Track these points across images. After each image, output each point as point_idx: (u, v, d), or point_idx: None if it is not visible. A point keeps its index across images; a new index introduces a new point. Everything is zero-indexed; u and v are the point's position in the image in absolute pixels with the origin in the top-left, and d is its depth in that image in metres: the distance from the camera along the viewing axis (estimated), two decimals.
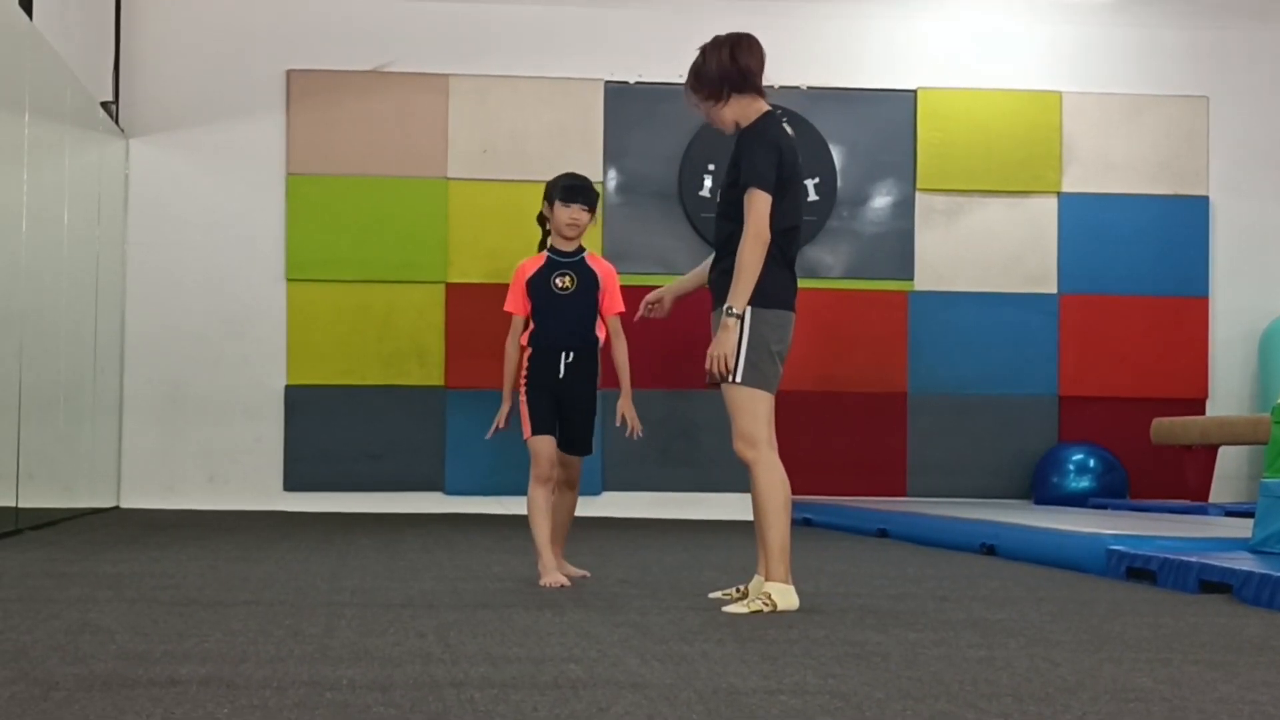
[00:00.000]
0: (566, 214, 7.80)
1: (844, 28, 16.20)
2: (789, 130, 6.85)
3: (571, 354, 7.77)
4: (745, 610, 6.52)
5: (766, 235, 6.63)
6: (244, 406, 15.50)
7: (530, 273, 7.82)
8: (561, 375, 7.75)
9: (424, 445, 15.58)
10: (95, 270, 13.91)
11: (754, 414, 6.71)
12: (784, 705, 4.18)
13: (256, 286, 15.56)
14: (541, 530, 7.65)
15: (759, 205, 6.63)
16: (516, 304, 7.81)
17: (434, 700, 4.15)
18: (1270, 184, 16.59)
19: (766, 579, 6.71)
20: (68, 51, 12.85)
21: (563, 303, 7.76)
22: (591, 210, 7.87)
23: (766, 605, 6.56)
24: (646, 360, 15.90)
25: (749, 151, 6.70)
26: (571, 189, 7.83)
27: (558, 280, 7.77)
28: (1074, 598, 7.58)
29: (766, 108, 6.87)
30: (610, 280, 7.86)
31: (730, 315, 6.63)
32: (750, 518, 7.06)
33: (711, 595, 7.18)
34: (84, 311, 13.49)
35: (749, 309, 6.67)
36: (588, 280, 7.82)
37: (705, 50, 6.90)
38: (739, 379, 6.68)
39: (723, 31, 7.01)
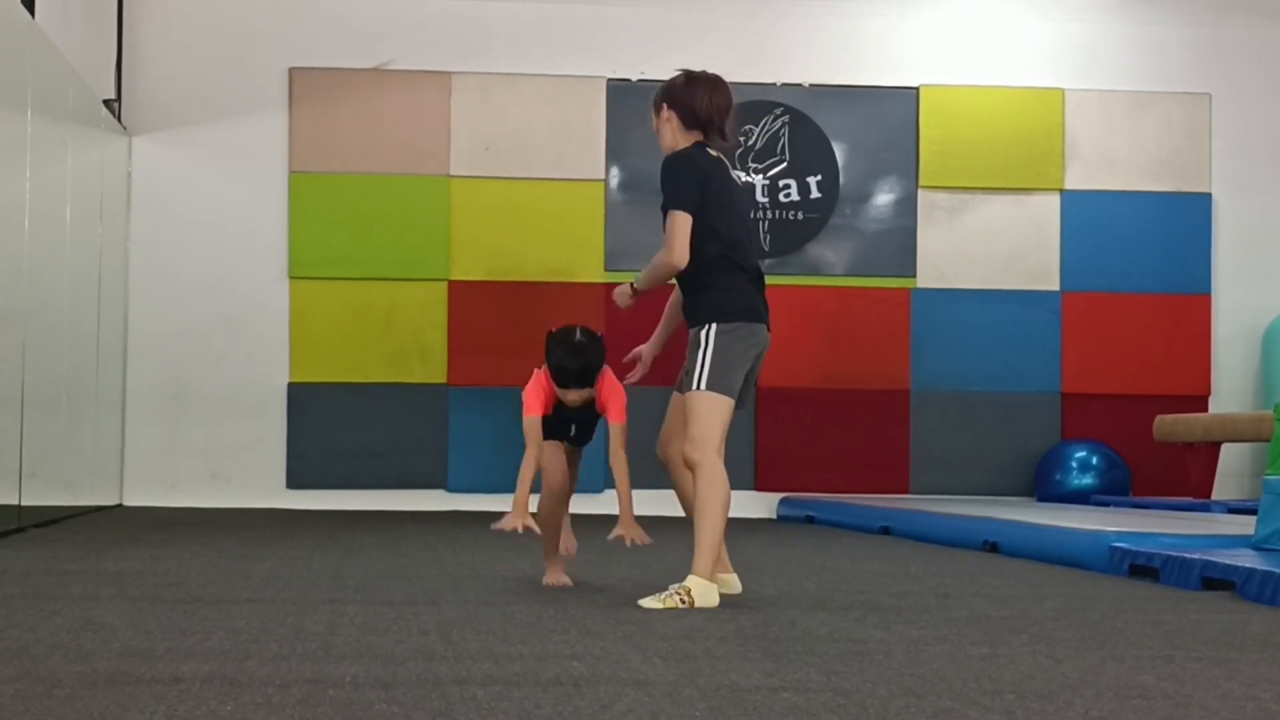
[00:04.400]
0: (564, 394, 7.15)
1: (846, 24, 16.19)
2: (713, 153, 7.01)
3: (574, 426, 7.38)
4: (661, 605, 6.51)
5: (683, 255, 6.84)
6: (246, 404, 15.51)
7: (545, 392, 7.16)
8: (572, 434, 7.43)
9: (427, 443, 15.59)
10: (98, 268, 13.91)
11: (711, 420, 6.82)
12: (787, 702, 4.18)
13: (259, 284, 15.56)
14: (550, 541, 7.53)
15: (679, 225, 6.85)
16: (535, 404, 7.15)
17: (437, 698, 4.15)
18: (1272, 181, 16.58)
19: (692, 571, 6.69)
20: (70, 49, 12.86)
21: (572, 411, 7.28)
22: (593, 385, 7.15)
23: (684, 601, 6.55)
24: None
25: (667, 178, 6.95)
26: (563, 376, 7.08)
27: (568, 398, 7.21)
28: (1077, 595, 7.58)
29: (699, 139, 7.02)
30: (616, 396, 7.19)
31: (631, 286, 7.18)
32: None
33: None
34: (86, 309, 13.49)
35: (713, 326, 6.85)
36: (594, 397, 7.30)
37: (685, 78, 7.06)
38: (704, 387, 6.79)
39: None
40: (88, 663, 4.65)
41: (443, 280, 15.67)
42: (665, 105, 7.07)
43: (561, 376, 7.04)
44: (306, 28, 15.74)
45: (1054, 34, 16.44)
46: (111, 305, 14.57)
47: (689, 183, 6.86)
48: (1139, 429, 15.72)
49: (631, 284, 7.20)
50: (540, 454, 7.20)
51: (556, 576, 7.56)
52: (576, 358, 7.02)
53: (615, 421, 7.13)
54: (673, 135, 7.06)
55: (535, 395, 7.14)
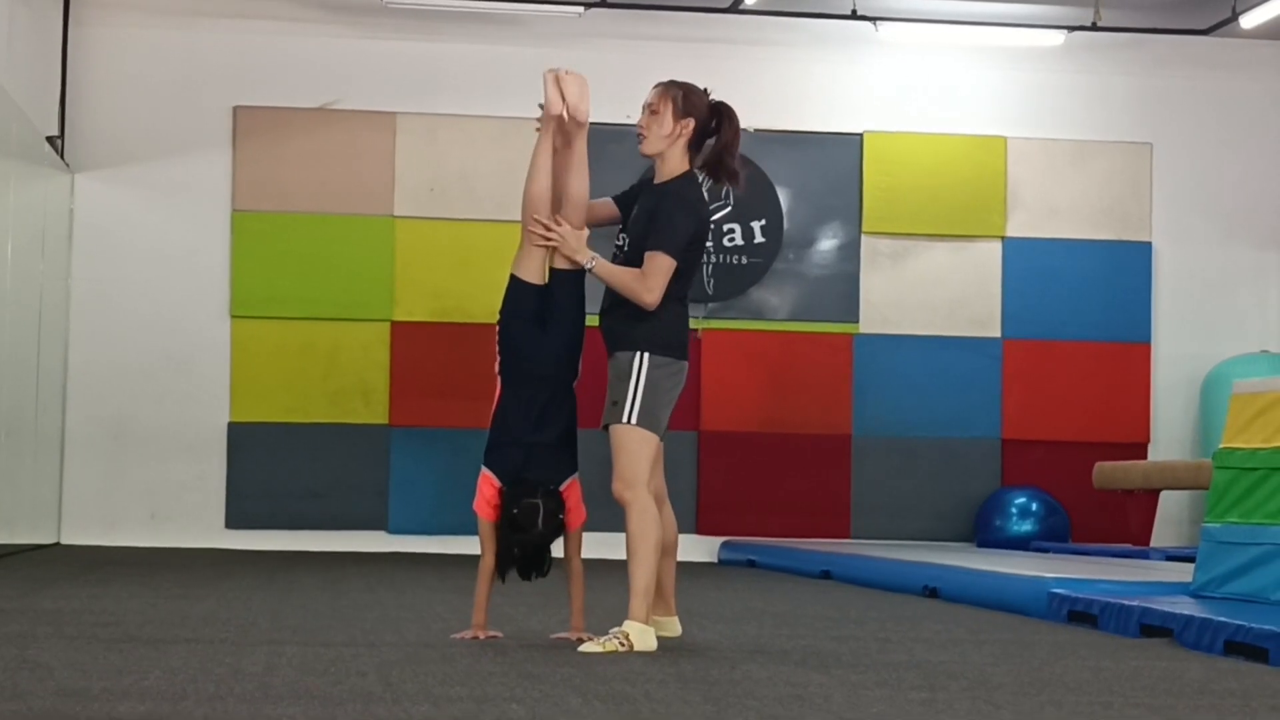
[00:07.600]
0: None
1: (791, 71, 16.25)
2: (704, 191, 7.04)
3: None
4: (600, 649, 6.49)
5: (659, 299, 6.75)
6: (187, 443, 15.42)
7: (494, 490, 6.92)
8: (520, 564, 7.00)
9: (368, 483, 15.53)
10: (38, 305, 13.84)
11: (639, 456, 6.78)
12: None
13: (201, 323, 15.49)
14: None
15: (663, 268, 6.76)
16: (486, 506, 6.89)
17: None
18: (1212, 230, 16.70)
19: (628, 618, 6.66)
20: (13, 85, 12.80)
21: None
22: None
23: (623, 645, 6.53)
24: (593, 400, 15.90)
25: (670, 213, 6.85)
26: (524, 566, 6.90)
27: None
28: (1016, 641, 7.60)
29: (688, 167, 7.01)
30: (576, 510, 7.03)
31: (589, 258, 6.89)
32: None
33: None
34: (26, 346, 13.41)
35: (645, 356, 6.76)
36: None
37: (713, 105, 7.07)
38: (634, 420, 6.73)
39: (672, 74, 7.17)
40: (23, 701, 4.61)
41: (386, 321, 15.63)
42: (690, 117, 7.00)
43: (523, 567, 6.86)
44: (251, 66, 15.70)
45: (997, 82, 16.53)
46: (52, 342, 14.49)
47: (686, 233, 6.83)
48: (1079, 476, 15.75)
49: (592, 257, 6.92)
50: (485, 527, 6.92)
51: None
52: (529, 561, 6.84)
53: (571, 530, 6.98)
54: (671, 142, 6.98)
55: (486, 497, 6.89)
